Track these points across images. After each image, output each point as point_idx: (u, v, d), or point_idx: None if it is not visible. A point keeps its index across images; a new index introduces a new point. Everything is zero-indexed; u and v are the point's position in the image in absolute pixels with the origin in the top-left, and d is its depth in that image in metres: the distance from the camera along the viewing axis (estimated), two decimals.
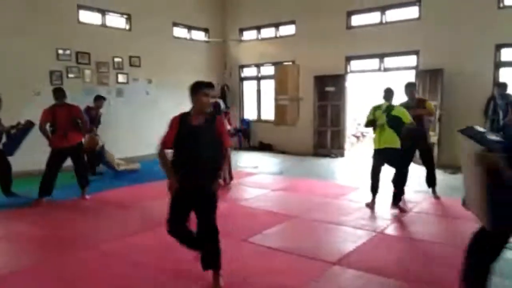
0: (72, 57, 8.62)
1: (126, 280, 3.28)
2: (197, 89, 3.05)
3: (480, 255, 2.58)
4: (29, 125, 5.96)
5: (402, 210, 5.19)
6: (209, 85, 3.18)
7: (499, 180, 2.28)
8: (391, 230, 4.58)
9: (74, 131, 5.69)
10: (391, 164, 5.28)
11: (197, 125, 3.03)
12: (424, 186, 5.99)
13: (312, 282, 3.22)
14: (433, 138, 8.00)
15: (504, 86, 6.73)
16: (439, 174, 7.25)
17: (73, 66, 8.64)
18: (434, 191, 5.86)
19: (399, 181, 5.27)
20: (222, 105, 6.78)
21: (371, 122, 5.32)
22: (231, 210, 5.35)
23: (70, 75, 8.58)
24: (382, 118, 5.17)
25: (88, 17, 9.01)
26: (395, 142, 5.14)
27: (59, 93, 5.75)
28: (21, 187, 6.15)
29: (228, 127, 6.49)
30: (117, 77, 9.47)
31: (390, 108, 5.18)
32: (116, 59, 9.43)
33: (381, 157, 5.27)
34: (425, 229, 4.61)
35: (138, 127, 9.49)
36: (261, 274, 3.37)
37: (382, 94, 5.40)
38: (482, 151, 2.33)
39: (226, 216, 5.13)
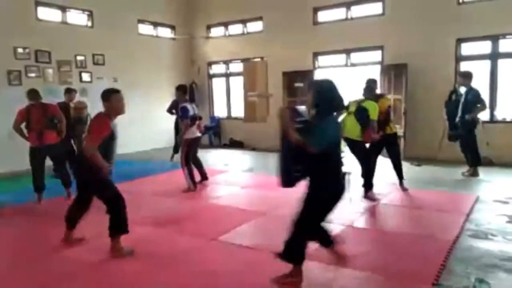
0: (31, 56, 8.29)
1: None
2: (110, 94, 3.69)
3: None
4: None
5: (371, 199, 5.32)
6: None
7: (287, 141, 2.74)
8: (360, 223, 4.64)
9: (49, 130, 5.53)
10: (354, 155, 5.40)
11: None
12: (391, 178, 6.09)
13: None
14: (399, 131, 8.19)
15: (469, 76, 6.70)
16: (405, 167, 7.41)
17: (33, 65, 8.32)
18: (401, 183, 5.95)
19: (363, 173, 5.41)
20: (191, 111, 6.17)
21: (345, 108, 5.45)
22: (201, 209, 5.30)
23: (30, 75, 8.25)
24: (353, 106, 5.31)
25: (48, 14, 8.67)
26: (354, 133, 5.24)
27: (33, 94, 5.66)
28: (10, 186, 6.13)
29: (198, 134, 6.41)
30: (80, 76, 9.20)
31: (363, 100, 5.33)
32: (79, 57, 9.15)
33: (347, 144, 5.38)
34: (393, 221, 4.72)
35: None
36: (231, 272, 3.34)
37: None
38: (281, 107, 2.89)
39: (196, 215, 5.10)
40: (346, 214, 4.90)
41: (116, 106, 3.71)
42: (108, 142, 3.67)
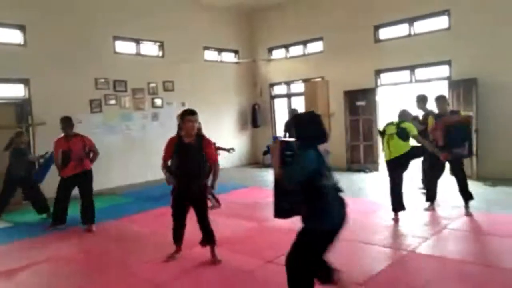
0: (110, 86, 9.13)
1: None
2: (183, 116, 4.14)
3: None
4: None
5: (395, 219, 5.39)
6: (192, 112, 4.17)
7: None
8: (422, 249, 4.44)
9: (87, 159, 5.77)
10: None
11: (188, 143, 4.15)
12: (460, 200, 5.76)
13: None
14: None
15: None
16: (478, 187, 7.03)
17: (111, 94, 9.14)
18: (467, 206, 5.61)
19: (391, 189, 5.51)
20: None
21: (380, 133, 5.72)
22: (257, 230, 5.41)
23: (109, 102, 9.08)
24: (390, 129, 5.50)
25: (124, 47, 9.54)
26: (400, 150, 5.38)
27: (68, 122, 5.75)
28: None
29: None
30: (152, 102, 9.91)
31: (400, 122, 5.50)
32: (151, 85, 9.88)
33: (394, 166, 5.48)
34: (458, 248, 4.46)
35: None
36: None
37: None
38: (273, 143, 3.01)
39: (252, 237, 5.21)
40: (409, 239, 4.76)
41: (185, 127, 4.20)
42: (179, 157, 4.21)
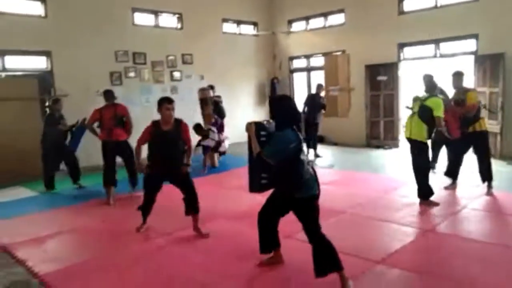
0: (130, 58, 9.15)
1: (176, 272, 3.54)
2: (161, 104, 4.22)
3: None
4: (84, 123, 6.52)
5: (430, 204, 5.07)
6: (169, 100, 4.26)
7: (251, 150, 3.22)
8: (442, 228, 4.43)
9: (118, 129, 5.93)
10: (411, 154, 5.19)
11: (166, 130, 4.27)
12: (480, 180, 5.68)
13: (353, 281, 3.21)
14: (495, 127, 7.55)
15: None
16: (501, 166, 6.92)
17: (131, 66, 9.18)
18: (490, 186, 5.52)
19: (416, 175, 5.16)
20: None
21: (410, 109, 5.33)
22: None
23: (129, 75, 9.12)
24: (416, 106, 5.10)
25: (142, 19, 9.47)
26: (419, 134, 5.00)
27: (107, 94, 6.13)
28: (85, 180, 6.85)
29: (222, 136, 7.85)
30: (171, 75, 9.90)
31: (426, 98, 5.01)
32: (170, 57, 9.84)
33: (411, 147, 5.20)
34: (478, 228, 4.43)
35: (194, 122, 9.80)
36: (301, 270, 3.38)
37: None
38: (249, 122, 3.26)
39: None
40: (429, 218, 4.75)
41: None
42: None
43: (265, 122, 3.33)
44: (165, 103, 4.21)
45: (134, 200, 5.49)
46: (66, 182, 6.86)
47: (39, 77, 7.95)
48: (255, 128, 3.20)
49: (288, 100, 3.27)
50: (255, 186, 3.35)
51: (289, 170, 3.05)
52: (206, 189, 4.68)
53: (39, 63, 8.08)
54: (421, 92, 5.20)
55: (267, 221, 3.42)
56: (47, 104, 7.73)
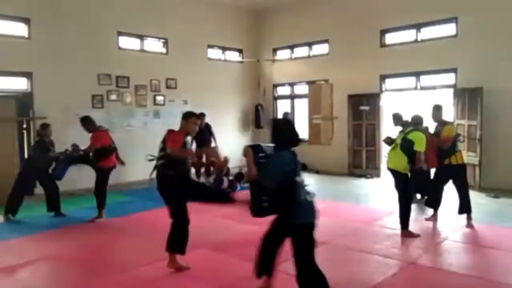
0: (113, 81, 9.06)
1: None
2: (188, 117, 4.18)
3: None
4: (75, 151, 6.31)
5: (408, 235, 5.05)
6: (197, 115, 4.27)
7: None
8: (424, 260, 4.39)
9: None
10: (395, 187, 5.23)
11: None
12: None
13: None
14: (474, 159, 7.68)
15: None
16: (480, 198, 6.97)
17: (113, 89, 9.08)
18: (469, 217, 5.56)
19: (400, 206, 5.15)
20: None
21: (390, 142, 5.57)
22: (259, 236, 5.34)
23: (111, 97, 9.01)
24: (398, 138, 5.27)
25: (128, 43, 9.47)
26: (400, 165, 5.08)
27: (90, 122, 6.24)
28: (65, 207, 6.61)
29: None
30: (154, 99, 9.83)
31: (409, 131, 5.17)
32: (154, 82, 9.80)
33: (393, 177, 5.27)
34: (459, 260, 4.41)
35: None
36: None
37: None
38: (246, 146, 3.31)
39: (256, 244, 5.15)
40: (410, 250, 4.71)
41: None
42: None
43: (262, 144, 3.38)
44: (193, 117, 4.21)
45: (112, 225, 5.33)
46: (40, 207, 6.59)
47: (17, 98, 7.78)
48: (253, 152, 3.21)
49: (289, 123, 3.36)
50: (256, 210, 3.31)
51: (286, 192, 3.02)
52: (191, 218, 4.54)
53: (19, 84, 7.91)
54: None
55: (269, 245, 3.37)
56: (24, 126, 7.49)
